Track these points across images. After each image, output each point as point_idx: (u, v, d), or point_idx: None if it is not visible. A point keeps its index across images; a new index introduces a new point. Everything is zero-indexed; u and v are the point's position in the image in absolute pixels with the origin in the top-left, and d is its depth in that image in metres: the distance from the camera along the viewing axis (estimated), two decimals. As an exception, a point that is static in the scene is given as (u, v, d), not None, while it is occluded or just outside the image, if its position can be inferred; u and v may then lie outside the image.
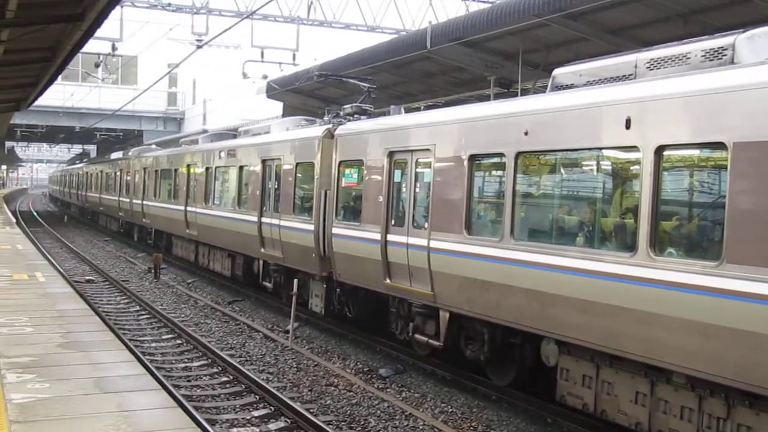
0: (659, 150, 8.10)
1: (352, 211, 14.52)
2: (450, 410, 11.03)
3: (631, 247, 8.39)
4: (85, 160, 63.59)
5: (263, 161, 18.37)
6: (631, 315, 8.24)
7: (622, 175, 9.21)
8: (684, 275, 7.65)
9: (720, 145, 7.51)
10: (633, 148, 8.45)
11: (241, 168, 20.06)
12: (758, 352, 6.98)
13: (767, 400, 7.16)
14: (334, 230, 14.67)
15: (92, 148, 74.57)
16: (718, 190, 7.76)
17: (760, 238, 7.02)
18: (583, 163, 9.78)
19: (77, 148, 79.03)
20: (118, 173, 37.07)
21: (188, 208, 24.49)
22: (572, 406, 9.64)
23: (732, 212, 7.27)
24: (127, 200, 34.18)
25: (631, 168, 8.81)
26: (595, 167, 9.60)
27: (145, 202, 30.68)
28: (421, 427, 10.17)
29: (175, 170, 26.76)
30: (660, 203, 8.16)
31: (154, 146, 38.87)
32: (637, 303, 8.17)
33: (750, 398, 7.38)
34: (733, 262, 7.18)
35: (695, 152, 8.26)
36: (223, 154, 21.79)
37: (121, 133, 55.91)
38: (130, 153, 36.55)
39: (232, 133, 24.98)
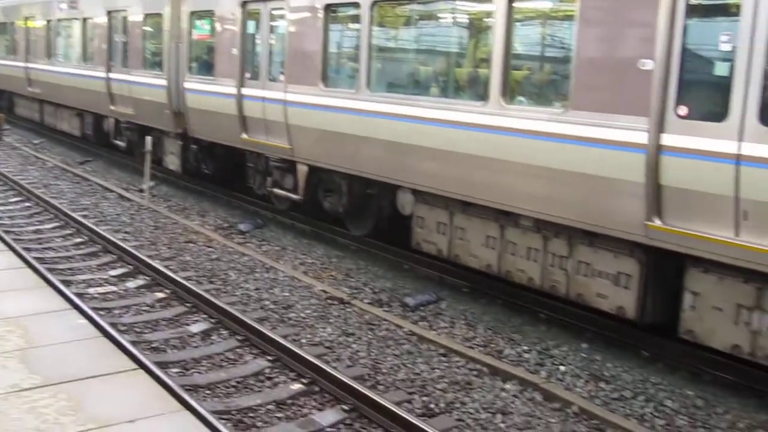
0: (511, -1, 8.15)
1: (206, 64, 14.02)
2: (309, 261, 11.24)
3: (483, 96, 8.55)
4: None
5: (109, 13, 17.30)
6: (483, 163, 8.50)
7: (475, 26, 9.25)
8: (532, 122, 7.91)
9: (569, -6, 7.62)
10: (486, -3, 8.46)
11: (84, 20, 18.86)
12: (598, 193, 7.40)
13: (604, 238, 7.66)
14: (187, 85, 14.19)
15: None
16: (568, 40, 7.93)
17: (598, 86, 7.29)
18: (439, 14, 9.74)
19: None
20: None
21: (29, 65, 22.98)
22: (427, 252, 10.02)
23: (578, 61, 7.48)
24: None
25: (485, 18, 8.85)
26: (450, 18, 9.59)
27: (-21, 59, 28.51)
28: (281, 279, 10.33)
29: (12, 24, 24.87)
30: (511, 52, 8.29)
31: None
32: (488, 151, 8.42)
33: (589, 237, 7.88)
34: (577, 108, 7.47)
35: (547, 2, 8.36)
36: (64, 6, 20.35)
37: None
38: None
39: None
